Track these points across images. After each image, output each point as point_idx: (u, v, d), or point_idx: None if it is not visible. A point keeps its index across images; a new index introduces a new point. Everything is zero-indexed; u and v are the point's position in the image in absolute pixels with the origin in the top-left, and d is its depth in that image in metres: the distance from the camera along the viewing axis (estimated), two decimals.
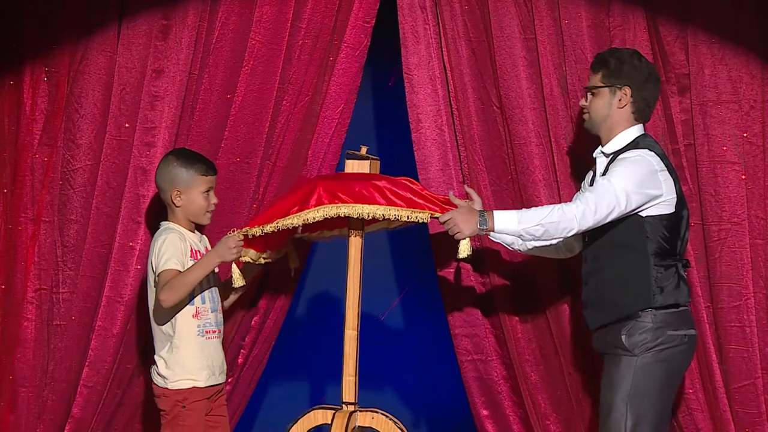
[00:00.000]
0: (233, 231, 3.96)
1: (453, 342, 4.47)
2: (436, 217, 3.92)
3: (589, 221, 3.71)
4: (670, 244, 3.78)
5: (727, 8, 4.19)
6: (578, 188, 4.18)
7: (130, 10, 4.37)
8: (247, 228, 4.02)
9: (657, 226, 3.76)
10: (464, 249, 3.91)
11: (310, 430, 4.12)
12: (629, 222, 3.77)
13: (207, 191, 3.99)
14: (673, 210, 3.78)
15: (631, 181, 3.72)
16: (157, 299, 3.86)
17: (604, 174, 3.83)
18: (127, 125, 4.37)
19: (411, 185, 4.01)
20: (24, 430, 4.44)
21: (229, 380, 4.41)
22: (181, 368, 3.91)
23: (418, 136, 4.42)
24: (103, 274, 4.36)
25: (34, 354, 4.44)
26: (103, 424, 4.44)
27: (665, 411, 3.78)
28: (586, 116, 3.93)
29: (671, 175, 3.80)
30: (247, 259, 4.11)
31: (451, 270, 4.43)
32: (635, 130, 3.87)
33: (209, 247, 4.06)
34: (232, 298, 4.19)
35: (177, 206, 3.98)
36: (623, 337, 3.75)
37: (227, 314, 4.22)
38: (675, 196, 3.79)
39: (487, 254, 4.41)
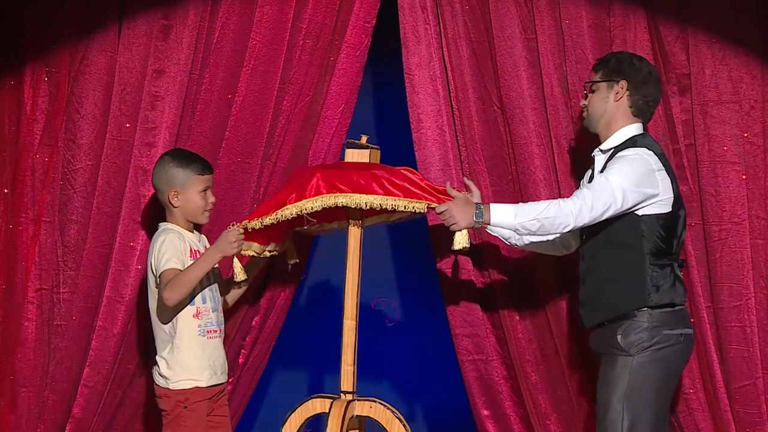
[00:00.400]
0: (233, 225, 3.95)
1: (454, 342, 4.47)
2: (433, 207, 3.92)
3: (585, 218, 3.71)
4: (666, 244, 3.79)
5: (728, 8, 4.19)
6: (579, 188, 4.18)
7: (131, 10, 4.37)
8: (247, 221, 4.01)
9: (653, 225, 3.77)
10: (459, 241, 3.90)
11: (308, 418, 4.12)
12: (625, 220, 3.77)
13: (204, 190, 3.99)
14: (670, 209, 3.79)
15: (628, 179, 3.72)
16: (160, 298, 3.85)
17: (602, 171, 3.83)
18: (127, 125, 4.37)
19: (410, 175, 3.99)
20: (24, 430, 4.44)
21: (230, 380, 4.40)
22: (183, 368, 3.91)
23: (419, 136, 4.42)
24: (104, 274, 4.36)
25: (35, 354, 4.43)
26: (104, 424, 4.44)
27: (662, 410, 3.78)
28: (585, 114, 3.94)
29: (669, 175, 3.81)
30: (251, 252, 4.10)
31: (450, 261, 4.42)
32: (634, 128, 3.88)
33: (208, 247, 4.06)
34: (235, 294, 4.18)
35: (175, 206, 3.98)
36: (619, 336, 3.75)
37: (228, 314, 4.22)
38: (672, 195, 3.79)
39: (488, 254, 4.41)
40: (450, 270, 4.45)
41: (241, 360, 4.53)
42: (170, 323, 3.92)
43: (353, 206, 3.98)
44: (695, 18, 4.20)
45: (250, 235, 4.02)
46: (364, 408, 4.09)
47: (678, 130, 4.24)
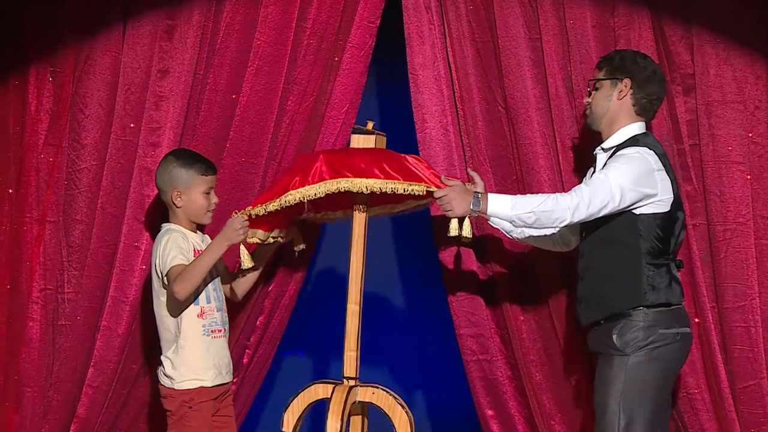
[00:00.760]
0: (237, 212, 3.95)
1: (458, 342, 4.47)
2: (432, 191, 3.92)
3: (582, 214, 3.71)
4: (663, 244, 3.78)
5: (732, 8, 4.19)
6: None
7: (135, 10, 4.37)
8: (250, 208, 4.01)
9: (650, 224, 3.76)
10: (454, 227, 3.91)
11: (310, 403, 4.11)
12: (622, 219, 3.77)
13: (207, 191, 3.99)
14: (668, 209, 3.78)
15: (627, 178, 3.72)
16: (170, 292, 3.85)
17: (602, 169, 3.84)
18: (132, 125, 4.37)
19: (415, 161, 4.01)
20: (29, 430, 4.44)
21: (234, 380, 4.40)
22: (187, 368, 3.91)
23: (424, 136, 4.42)
24: (108, 274, 4.36)
25: (39, 354, 4.44)
26: (108, 424, 4.44)
27: (660, 410, 3.77)
28: (588, 111, 3.94)
29: (669, 175, 3.80)
30: (256, 240, 4.10)
31: (452, 259, 4.41)
32: (636, 127, 3.88)
33: None
34: (244, 286, 4.18)
35: (178, 207, 3.98)
36: (614, 336, 3.75)
37: (232, 314, 4.22)
38: (671, 196, 3.79)
39: (491, 251, 4.41)
40: (452, 266, 4.44)
41: (245, 360, 4.53)
42: (175, 323, 3.92)
43: (355, 190, 3.97)
44: (699, 18, 4.20)
45: (254, 222, 4.01)
46: (366, 394, 4.08)
47: (682, 130, 4.24)
